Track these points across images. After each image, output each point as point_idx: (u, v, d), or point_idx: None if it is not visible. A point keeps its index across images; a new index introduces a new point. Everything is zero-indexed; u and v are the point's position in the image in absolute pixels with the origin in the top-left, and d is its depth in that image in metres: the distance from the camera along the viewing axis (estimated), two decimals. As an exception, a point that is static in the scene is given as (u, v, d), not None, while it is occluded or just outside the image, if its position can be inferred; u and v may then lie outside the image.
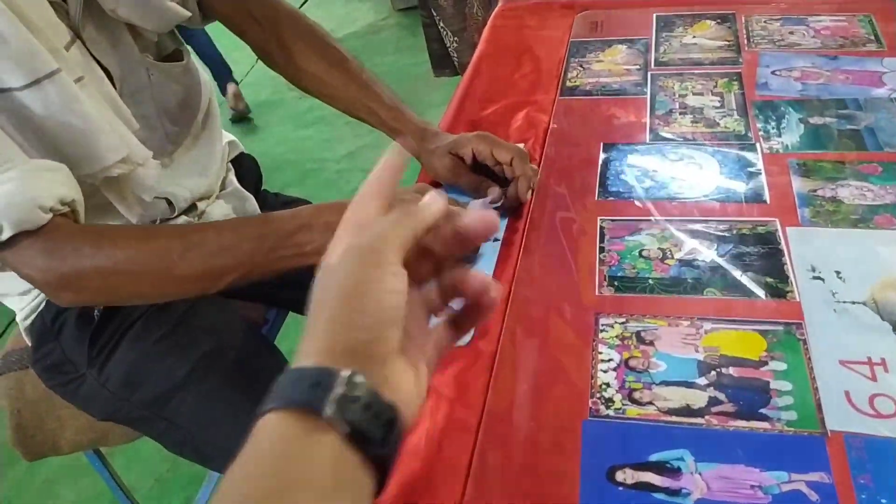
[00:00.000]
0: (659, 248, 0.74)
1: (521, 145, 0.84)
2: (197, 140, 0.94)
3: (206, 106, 0.95)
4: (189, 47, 0.94)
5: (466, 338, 0.67)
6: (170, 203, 0.87)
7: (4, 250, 0.67)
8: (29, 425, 0.99)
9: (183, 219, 0.92)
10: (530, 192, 0.81)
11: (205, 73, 0.98)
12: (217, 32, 3.51)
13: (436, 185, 0.87)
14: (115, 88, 0.77)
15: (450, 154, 0.84)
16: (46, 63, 0.66)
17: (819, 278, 0.68)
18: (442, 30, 2.13)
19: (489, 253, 0.76)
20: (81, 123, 0.70)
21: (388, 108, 0.91)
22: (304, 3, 3.79)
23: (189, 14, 0.83)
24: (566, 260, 0.75)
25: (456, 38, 2.13)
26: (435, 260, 0.42)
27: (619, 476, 0.55)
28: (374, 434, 0.33)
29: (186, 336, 0.89)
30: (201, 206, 0.94)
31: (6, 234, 0.65)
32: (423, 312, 0.43)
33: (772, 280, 0.69)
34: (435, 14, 2.12)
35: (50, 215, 0.67)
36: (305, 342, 0.36)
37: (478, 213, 0.41)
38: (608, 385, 0.62)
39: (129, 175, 0.77)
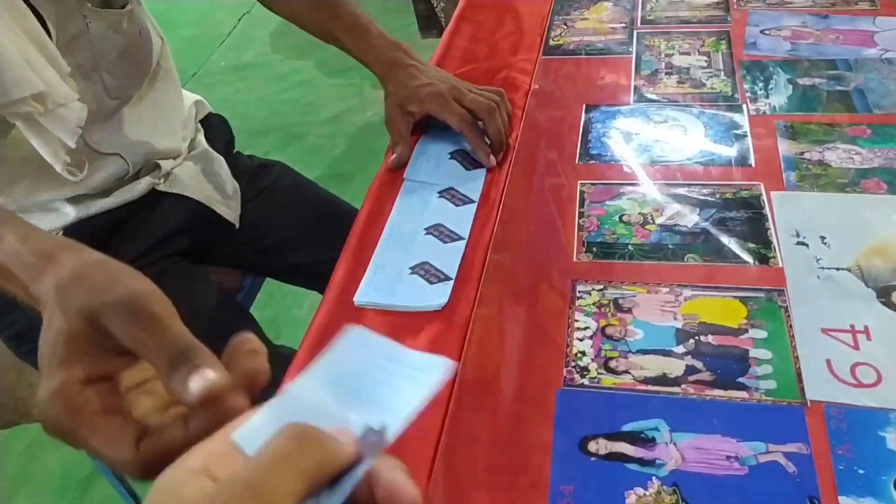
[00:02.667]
0: (640, 213, 0.72)
1: (496, 92, 0.83)
2: (145, 99, 0.89)
3: (154, 62, 0.90)
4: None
5: (441, 300, 0.65)
6: (125, 161, 0.84)
7: None
8: (-1, 394, 0.97)
9: (147, 180, 0.89)
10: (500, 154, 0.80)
11: (158, 31, 0.92)
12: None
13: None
14: (50, 34, 0.73)
15: (399, 108, 0.82)
16: None
17: (803, 244, 0.66)
18: (428, -11, 2.08)
19: (466, 217, 0.73)
20: None
21: (354, 35, 0.86)
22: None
23: None
24: (544, 225, 0.73)
25: (442, -2, 2.08)
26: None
27: (592, 446, 0.54)
28: None
29: None
30: (166, 165, 0.91)
31: None
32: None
33: (755, 246, 0.67)
34: (421, -27, 2.06)
35: None
36: None
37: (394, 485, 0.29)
38: (584, 353, 0.60)
39: (48, 115, 0.73)
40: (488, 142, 0.79)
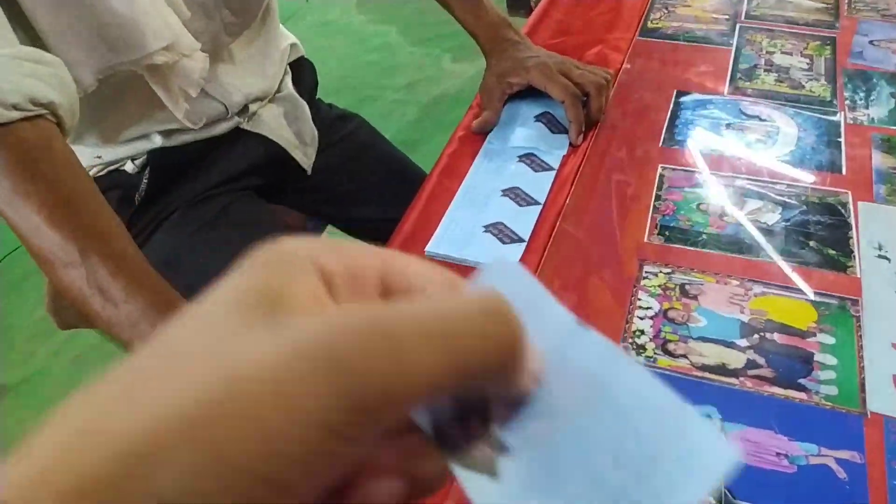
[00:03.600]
0: (720, 205, 0.70)
1: (604, 72, 0.81)
2: (256, 35, 0.91)
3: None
4: None
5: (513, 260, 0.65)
6: (224, 106, 0.86)
7: None
8: (64, 295, 1.01)
9: (235, 119, 0.91)
10: (585, 135, 0.79)
11: None
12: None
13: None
14: None
15: (498, 77, 0.81)
16: None
17: (884, 257, 0.64)
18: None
19: (544, 183, 0.73)
20: (124, 5, 0.67)
21: (466, 4, 0.87)
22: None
23: None
24: (618, 202, 0.72)
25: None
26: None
27: (640, 423, 0.53)
28: None
29: (222, 232, 0.89)
30: (253, 107, 0.92)
31: None
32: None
33: (834, 252, 0.65)
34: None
35: (14, 113, 0.56)
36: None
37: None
38: (642, 332, 0.59)
39: (173, 66, 0.74)
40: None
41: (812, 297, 0.61)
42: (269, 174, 0.97)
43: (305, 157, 0.99)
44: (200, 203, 0.89)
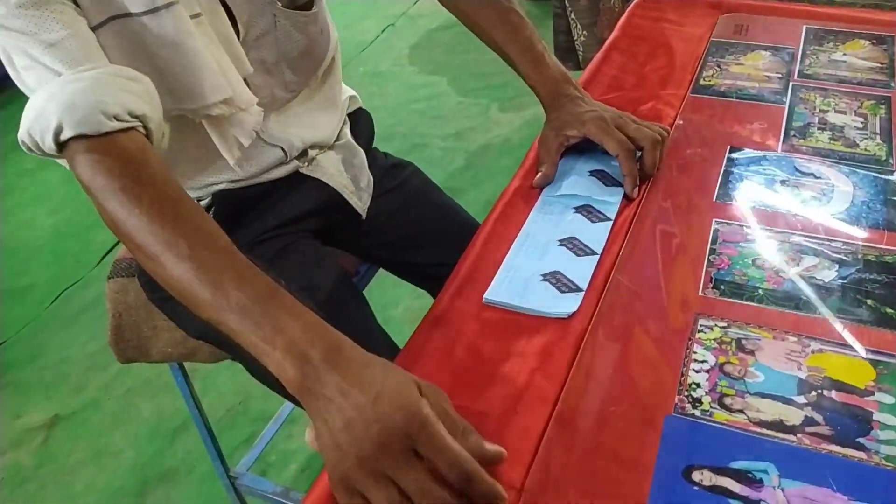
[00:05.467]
0: (775, 260, 0.70)
1: (660, 127, 0.83)
2: (314, 93, 0.95)
3: (329, 60, 0.96)
4: None
5: (572, 308, 0.67)
6: (284, 152, 0.90)
7: (64, 151, 0.64)
8: (126, 329, 1.05)
9: (294, 163, 0.95)
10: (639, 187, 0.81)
11: (334, 29, 0.99)
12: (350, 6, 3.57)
13: None
14: (239, 31, 0.79)
15: (555, 131, 0.84)
16: None
17: (946, 318, 0.63)
18: (572, 21, 2.10)
19: (601, 233, 0.75)
20: (189, 58, 0.71)
21: (529, 59, 0.89)
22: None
23: None
24: (672, 255, 0.73)
25: (584, 32, 2.10)
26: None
27: (696, 476, 0.53)
28: None
29: (282, 270, 0.91)
30: (312, 153, 0.96)
31: (66, 134, 0.62)
32: None
33: (892, 311, 0.64)
34: (567, 5, 2.09)
35: (114, 123, 0.62)
36: None
37: None
38: (698, 385, 0.60)
39: (229, 117, 0.79)
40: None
41: (870, 355, 0.61)
42: (326, 218, 1.00)
43: (361, 201, 1.02)
44: (260, 244, 0.92)
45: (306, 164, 0.96)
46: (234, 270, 0.58)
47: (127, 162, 0.63)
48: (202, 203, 0.90)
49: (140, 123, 0.65)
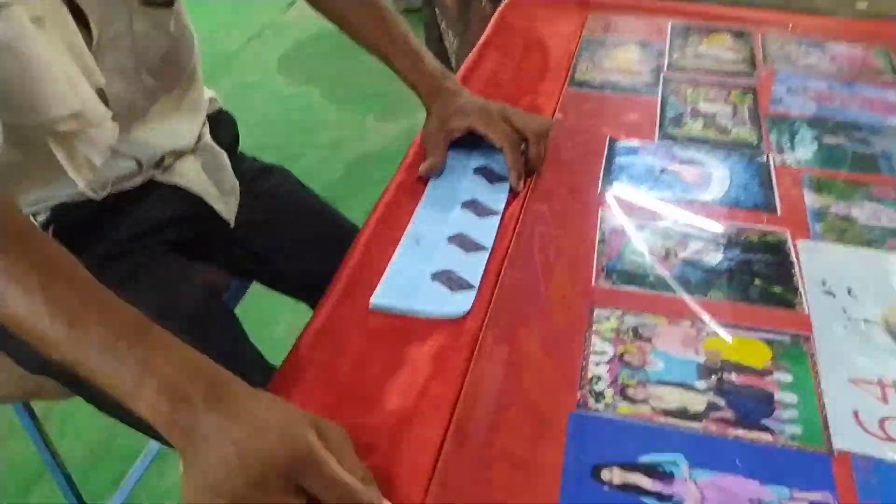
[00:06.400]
0: (662, 246, 0.69)
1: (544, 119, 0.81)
2: (176, 98, 0.87)
3: (192, 62, 0.88)
4: None
5: (465, 308, 0.62)
6: (138, 163, 0.80)
7: None
8: (-45, 370, 0.91)
9: (149, 173, 0.85)
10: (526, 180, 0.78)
11: (192, 26, 0.90)
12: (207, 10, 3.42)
13: None
14: (92, 35, 0.70)
15: (439, 122, 0.80)
16: None
17: (830, 293, 0.64)
18: (444, 31, 2.09)
19: (490, 228, 0.71)
20: (26, 66, 0.62)
21: (408, 58, 0.86)
22: (292, 2, 3.69)
23: None
24: (562, 247, 0.70)
25: (456, 40, 2.09)
26: None
27: (606, 475, 0.50)
28: None
29: (137, 291, 0.81)
30: (168, 160, 0.87)
31: None
32: None
33: (780, 289, 0.64)
34: (438, 14, 2.07)
35: None
36: None
37: None
38: (599, 378, 0.57)
39: (79, 134, 0.69)
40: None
41: (764, 335, 0.60)
42: (188, 228, 0.91)
43: (227, 208, 0.94)
44: (111, 262, 0.82)
45: (162, 171, 0.87)
46: (96, 303, 0.51)
47: None
48: (38, 220, 0.78)
49: None
